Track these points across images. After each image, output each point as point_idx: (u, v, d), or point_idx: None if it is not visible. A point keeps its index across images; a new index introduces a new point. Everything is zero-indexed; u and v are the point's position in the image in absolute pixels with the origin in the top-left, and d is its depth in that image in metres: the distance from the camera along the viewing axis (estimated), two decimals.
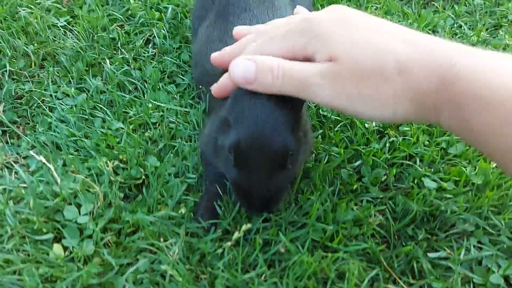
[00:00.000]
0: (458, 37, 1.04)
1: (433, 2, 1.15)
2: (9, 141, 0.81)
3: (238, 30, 0.64)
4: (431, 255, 0.62)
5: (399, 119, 0.49)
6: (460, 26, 1.07)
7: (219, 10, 0.81)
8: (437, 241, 0.65)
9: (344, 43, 0.48)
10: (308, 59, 0.52)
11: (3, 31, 0.94)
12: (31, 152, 0.70)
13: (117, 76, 0.87)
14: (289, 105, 0.54)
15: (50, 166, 0.66)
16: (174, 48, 0.97)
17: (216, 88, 0.60)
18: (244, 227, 0.58)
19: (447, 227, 0.67)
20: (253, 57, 0.53)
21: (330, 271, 0.58)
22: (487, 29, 1.07)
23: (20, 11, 0.99)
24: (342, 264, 0.60)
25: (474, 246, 0.64)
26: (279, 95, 0.53)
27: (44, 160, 0.67)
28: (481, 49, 0.47)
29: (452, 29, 1.06)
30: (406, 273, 0.61)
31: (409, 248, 0.62)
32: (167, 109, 0.81)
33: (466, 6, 1.14)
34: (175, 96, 0.86)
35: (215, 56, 0.62)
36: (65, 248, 0.63)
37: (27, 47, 0.93)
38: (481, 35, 1.02)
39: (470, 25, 1.08)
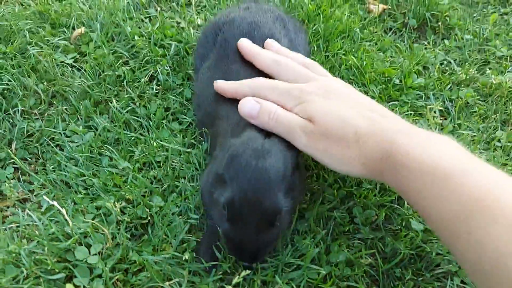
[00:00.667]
0: (448, 73, 1.09)
1: (424, 35, 1.21)
2: (20, 178, 0.85)
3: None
4: None
5: (355, 175, 0.65)
6: (450, 63, 1.12)
7: (220, 53, 0.86)
8: (423, 281, 0.69)
9: (320, 111, 0.63)
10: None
11: (13, 70, 0.99)
12: (44, 197, 0.74)
13: (123, 115, 0.92)
14: (281, 167, 0.60)
15: (63, 210, 0.71)
16: (177, 84, 1.02)
17: (222, 87, 0.75)
18: (243, 273, 0.63)
19: (432, 267, 0.71)
20: (260, 100, 0.69)
21: None
22: (475, 64, 1.12)
23: (29, 49, 1.03)
24: None
25: (457, 285, 0.69)
26: (273, 157, 0.59)
27: (56, 204, 0.71)
28: (420, 130, 0.61)
29: (442, 65, 1.12)
30: None
31: None
32: (171, 148, 0.86)
33: (456, 41, 1.19)
34: (178, 134, 0.91)
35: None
36: (76, 287, 0.68)
37: (37, 86, 0.98)
38: (469, 72, 1.07)
39: (460, 61, 1.14)
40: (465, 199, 0.49)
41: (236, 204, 0.60)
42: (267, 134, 0.67)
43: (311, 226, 0.73)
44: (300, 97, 0.66)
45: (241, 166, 0.60)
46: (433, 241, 0.73)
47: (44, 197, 0.74)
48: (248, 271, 0.63)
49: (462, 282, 0.70)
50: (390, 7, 1.24)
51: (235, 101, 0.73)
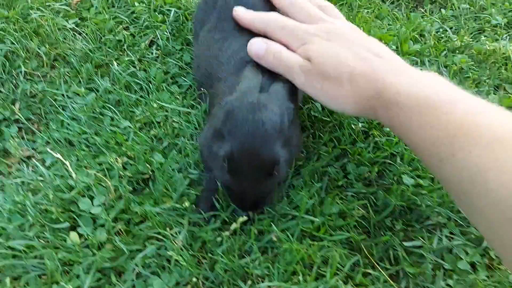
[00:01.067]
0: (443, 41, 1.11)
1: (422, 5, 1.22)
2: (24, 136, 0.88)
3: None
4: (407, 244, 0.70)
5: (349, 113, 0.68)
6: (446, 31, 1.14)
7: (220, 14, 0.87)
8: (413, 232, 0.72)
9: (318, 51, 0.67)
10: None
11: (16, 33, 1.01)
12: (48, 149, 0.77)
13: (124, 77, 0.94)
14: (277, 120, 0.63)
15: (66, 162, 0.74)
16: (176, 50, 1.04)
17: (240, 15, 0.79)
18: (240, 219, 0.65)
19: (422, 219, 0.74)
20: (268, 41, 0.73)
21: (316, 257, 0.66)
22: (471, 33, 1.13)
23: (31, 14, 1.05)
24: (327, 251, 0.67)
25: (446, 236, 0.72)
26: (269, 111, 0.62)
27: (60, 157, 0.74)
28: (412, 68, 0.64)
29: (438, 33, 1.13)
30: (383, 259, 0.69)
31: (387, 237, 0.69)
32: (171, 109, 0.88)
33: (453, 10, 1.20)
34: (178, 96, 0.93)
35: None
36: (80, 236, 0.71)
37: (39, 49, 0.99)
38: (464, 39, 1.09)
39: (455, 29, 1.15)
40: (450, 125, 0.54)
41: (235, 156, 0.63)
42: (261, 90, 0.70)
43: (306, 181, 0.76)
44: (304, 38, 0.70)
45: (238, 120, 0.62)
46: (424, 194, 0.75)
47: (49, 149, 0.77)
48: (245, 217, 0.66)
49: (450, 233, 0.73)
50: None
51: (233, 64, 0.76)
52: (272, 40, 0.73)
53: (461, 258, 0.69)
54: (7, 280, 0.64)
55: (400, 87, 0.60)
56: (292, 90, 0.71)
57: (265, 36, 0.75)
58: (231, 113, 0.63)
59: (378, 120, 0.67)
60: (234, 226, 0.66)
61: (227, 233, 0.67)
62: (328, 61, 0.65)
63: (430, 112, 0.56)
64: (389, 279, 0.66)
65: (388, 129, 0.85)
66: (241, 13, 0.79)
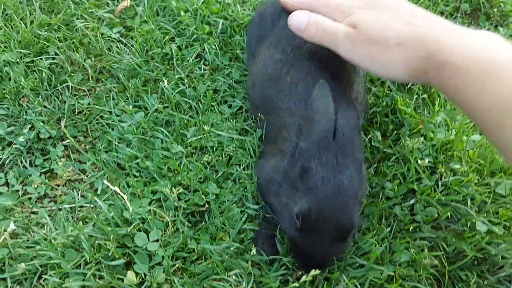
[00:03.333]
0: None
1: (477, 21, 1.16)
2: (71, 156, 0.84)
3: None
4: None
5: (399, 79, 0.66)
6: None
7: (281, 33, 0.82)
8: (487, 284, 0.68)
9: (364, 19, 0.65)
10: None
11: (60, 43, 0.96)
12: (105, 181, 0.73)
13: (174, 96, 0.90)
14: (357, 183, 0.59)
15: (124, 196, 0.70)
16: (224, 65, 0.99)
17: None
18: (312, 272, 0.61)
19: (495, 269, 0.70)
20: (308, 13, 0.71)
21: None
22: None
23: (74, 21, 1.00)
24: None
25: None
26: (349, 172, 0.59)
27: (117, 190, 0.70)
28: (463, 28, 0.60)
29: None
30: None
31: None
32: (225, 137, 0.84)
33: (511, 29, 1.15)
34: (229, 118, 0.89)
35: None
36: (136, 274, 0.67)
37: (84, 61, 0.95)
38: None
39: None
40: (508, 90, 0.51)
41: (312, 215, 0.59)
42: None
43: (373, 224, 0.72)
44: (348, 11, 0.68)
45: (319, 180, 0.60)
46: (498, 244, 0.71)
47: (104, 181, 0.73)
48: (318, 271, 0.62)
49: None
50: None
51: (300, 93, 0.72)
52: None
53: None
54: None
55: (454, 48, 0.57)
56: (356, 123, 0.68)
57: None
58: (310, 170, 0.60)
59: (430, 83, 0.63)
60: (304, 278, 0.62)
61: (296, 284, 0.63)
62: (374, 25, 0.64)
63: (488, 76, 0.53)
64: None
65: (456, 165, 0.80)
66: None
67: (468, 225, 0.73)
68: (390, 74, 0.65)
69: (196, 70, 0.97)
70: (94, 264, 0.67)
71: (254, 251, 0.67)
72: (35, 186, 0.79)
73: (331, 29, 0.68)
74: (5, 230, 0.71)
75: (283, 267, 0.67)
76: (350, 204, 0.59)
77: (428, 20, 0.64)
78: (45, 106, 0.89)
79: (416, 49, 0.60)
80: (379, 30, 0.63)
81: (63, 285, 0.64)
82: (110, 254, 0.67)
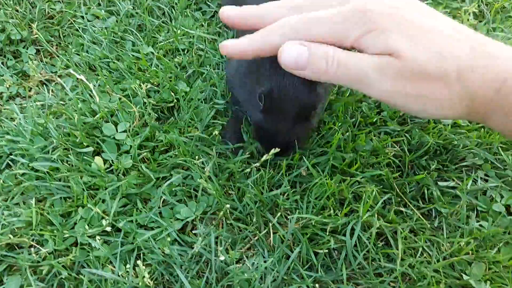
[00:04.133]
0: None
1: None
2: (43, 59, 0.84)
3: None
4: (441, 183, 0.68)
5: (449, 118, 0.51)
6: None
7: None
8: (447, 172, 0.70)
9: (407, 41, 0.45)
10: (354, 49, 0.48)
11: None
12: (71, 70, 0.73)
13: (146, 0, 0.89)
14: None
15: (90, 84, 0.70)
16: None
17: (231, 48, 0.51)
18: (272, 151, 0.63)
19: (457, 160, 0.72)
20: (307, 43, 0.48)
21: (348, 193, 0.64)
22: None
23: None
24: (359, 187, 0.65)
25: (481, 178, 0.70)
26: None
27: (83, 78, 0.70)
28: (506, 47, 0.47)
29: None
30: (416, 198, 0.67)
31: (421, 176, 0.67)
32: (196, 36, 0.83)
33: None
34: (203, 23, 0.88)
35: (227, 11, 0.52)
36: (105, 161, 0.69)
37: None
38: None
39: None
40: None
41: (273, 95, 0.59)
42: None
43: (339, 116, 0.73)
44: (365, 22, 0.45)
45: None
46: (461, 133, 0.72)
47: (72, 71, 0.73)
48: (278, 149, 0.63)
49: (486, 175, 0.70)
50: None
51: None
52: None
53: (496, 201, 0.67)
54: (32, 201, 0.62)
55: None
56: None
57: None
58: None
59: (487, 125, 0.51)
60: (264, 158, 0.63)
61: (256, 164, 0.65)
62: (426, 54, 0.45)
63: None
64: (421, 217, 0.64)
65: None
66: (238, 44, 0.50)
67: (433, 119, 0.74)
68: (442, 114, 0.49)
69: None
70: (62, 150, 0.68)
71: (215, 134, 0.68)
72: (7, 86, 0.80)
73: (352, 63, 0.46)
74: None
75: (248, 154, 0.69)
76: (312, 83, 0.59)
77: (490, 46, 0.47)
78: (16, 10, 0.88)
79: (481, 87, 0.46)
80: (436, 60, 0.45)
81: (30, 165, 0.65)
82: (78, 141, 0.69)
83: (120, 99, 0.75)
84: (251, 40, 0.50)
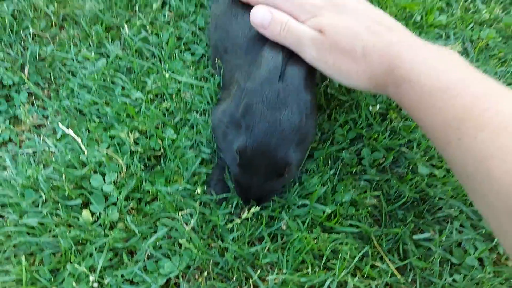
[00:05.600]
0: (471, 12, 1.05)
1: None
2: (34, 102, 0.86)
3: None
4: (416, 237, 0.70)
5: (361, 89, 0.66)
6: (475, 0, 1.07)
7: None
8: (424, 224, 0.72)
9: (331, 24, 0.63)
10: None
11: None
12: (59, 124, 0.75)
13: (135, 42, 0.90)
14: (296, 120, 0.61)
15: (78, 138, 0.73)
16: (189, 11, 0.99)
17: None
18: (253, 209, 0.65)
19: (434, 210, 0.74)
20: (272, 10, 0.67)
21: (325, 249, 0.66)
22: (501, 3, 1.07)
23: None
24: (337, 243, 0.68)
25: (456, 229, 0.72)
26: (288, 109, 0.61)
27: (71, 133, 0.73)
28: (425, 43, 0.61)
29: (466, 2, 1.07)
30: (392, 252, 0.70)
31: (398, 230, 0.69)
32: (184, 81, 0.86)
33: None
34: (190, 66, 0.90)
35: None
36: (92, 214, 0.71)
37: (47, 7, 0.95)
38: (493, 11, 1.03)
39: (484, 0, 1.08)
40: (458, 109, 0.52)
41: (248, 152, 0.62)
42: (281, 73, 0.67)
43: (319, 166, 0.75)
44: (312, 11, 0.66)
45: (257, 116, 0.61)
46: (437, 185, 0.74)
47: (60, 125, 0.75)
48: (258, 208, 0.66)
49: (461, 225, 0.73)
50: None
51: (246, 40, 0.72)
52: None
53: (470, 254, 0.69)
54: (22, 257, 0.65)
55: (413, 63, 0.57)
56: (310, 70, 0.69)
57: None
58: (250, 107, 0.62)
59: (388, 96, 0.65)
60: (245, 214, 0.66)
61: (238, 220, 0.67)
62: (342, 34, 0.62)
63: (440, 93, 0.54)
64: (396, 273, 0.67)
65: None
66: None
67: (411, 169, 0.77)
68: (353, 84, 0.64)
69: (160, 17, 0.97)
70: (51, 203, 0.71)
71: (199, 190, 0.71)
72: (0, 132, 0.82)
73: (296, 31, 0.65)
74: None
75: (230, 207, 0.71)
76: (287, 141, 0.61)
77: (393, 31, 0.63)
78: (8, 53, 0.90)
79: (380, 62, 0.60)
80: (347, 39, 0.62)
81: (20, 221, 0.68)
82: (66, 195, 0.71)
83: (108, 147, 0.78)
84: None
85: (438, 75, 0.56)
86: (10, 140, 0.83)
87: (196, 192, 0.72)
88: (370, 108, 0.82)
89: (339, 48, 0.62)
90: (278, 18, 0.66)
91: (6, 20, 0.91)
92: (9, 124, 0.83)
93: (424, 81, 0.56)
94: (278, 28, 0.66)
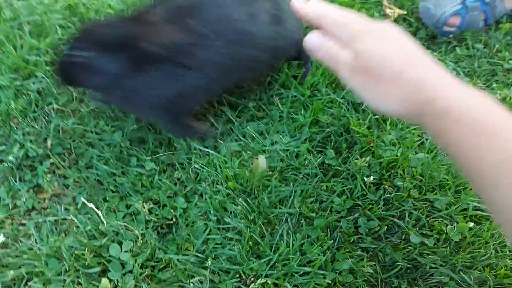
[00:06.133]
0: None
1: (437, 44, 1.25)
2: (56, 172, 0.94)
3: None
4: None
5: (393, 114, 0.66)
6: (459, 73, 1.17)
7: None
8: None
9: (366, 47, 0.64)
10: None
11: (47, 67, 1.06)
12: (82, 198, 0.83)
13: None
14: None
15: (99, 212, 0.80)
16: None
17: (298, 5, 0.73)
18: (260, 281, 0.71)
19: (426, 276, 0.80)
20: (322, 39, 0.70)
21: None
22: (484, 76, 1.17)
23: (61, 46, 1.09)
24: None
25: None
26: None
27: (93, 207, 0.80)
28: (461, 82, 0.60)
29: None
30: None
31: None
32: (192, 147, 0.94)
33: (467, 49, 1.23)
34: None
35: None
36: (110, 281, 0.77)
37: None
38: (476, 84, 1.12)
39: (468, 71, 1.18)
40: (503, 152, 0.53)
41: None
42: None
43: (319, 235, 0.82)
44: (354, 35, 0.68)
45: None
46: (429, 255, 0.81)
47: (82, 199, 0.82)
48: (265, 279, 0.72)
49: None
50: (406, 12, 1.28)
51: None
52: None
53: None
54: None
55: (453, 100, 0.57)
56: None
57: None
58: None
59: (423, 127, 0.65)
60: (253, 286, 0.72)
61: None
62: (374, 58, 0.63)
63: (488, 134, 0.54)
64: None
65: (399, 182, 0.90)
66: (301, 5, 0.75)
67: (404, 238, 0.83)
68: (384, 108, 0.65)
69: None
70: (73, 272, 0.77)
71: (210, 263, 0.77)
72: (24, 200, 0.89)
73: (335, 55, 0.69)
74: None
75: (238, 276, 0.77)
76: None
77: (429, 66, 0.63)
78: (33, 126, 0.98)
79: (413, 92, 0.61)
80: (379, 64, 0.63)
81: None
82: (87, 263, 0.77)
83: (124, 216, 0.85)
84: (306, 9, 0.73)
85: (483, 115, 0.56)
86: (33, 208, 0.89)
87: (206, 260, 0.78)
88: (365, 178, 0.89)
89: (370, 72, 0.64)
90: (324, 46, 0.70)
91: (32, 96, 1.00)
92: (32, 192, 0.91)
93: (467, 120, 0.56)
94: (322, 53, 0.70)
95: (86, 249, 0.78)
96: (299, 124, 1.00)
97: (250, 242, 0.81)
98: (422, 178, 0.91)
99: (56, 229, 0.84)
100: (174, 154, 0.94)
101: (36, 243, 0.81)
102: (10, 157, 0.92)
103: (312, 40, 0.73)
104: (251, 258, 0.79)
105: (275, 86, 1.06)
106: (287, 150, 0.96)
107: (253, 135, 0.97)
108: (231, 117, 1.00)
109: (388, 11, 1.28)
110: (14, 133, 0.97)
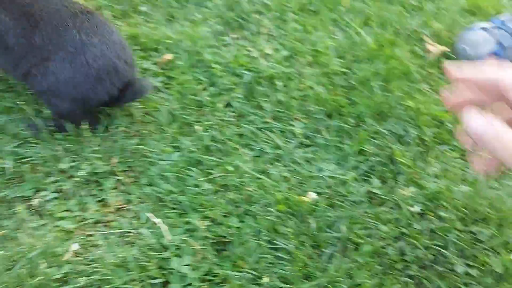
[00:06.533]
0: None
1: None
2: (119, 187, 1.02)
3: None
4: None
5: None
6: None
7: None
8: None
9: None
10: None
11: None
12: (148, 214, 0.90)
13: (204, 140, 1.07)
14: None
15: (164, 226, 0.86)
16: (249, 112, 1.16)
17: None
18: None
19: None
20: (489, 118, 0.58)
21: None
22: None
23: None
24: None
25: None
26: None
27: (161, 222, 0.87)
28: None
29: None
30: None
31: None
32: (246, 174, 1.00)
33: None
34: (250, 160, 1.05)
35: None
36: None
37: (131, 106, 1.13)
38: None
39: None
40: None
41: None
42: None
43: (367, 261, 0.86)
44: None
45: None
46: (473, 285, 0.84)
47: (147, 214, 0.89)
48: None
49: None
50: (449, 49, 1.33)
51: None
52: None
53: None
54: None
55: None
56: None
57: None
58: None
59: None
60: None
61: None
62: None
63: None
64: None
65: (443, 213, 0.94)
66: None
67: (448, 267, 0.87)
68: None
69: (225, 117, 1.14)
70: (138, 282, 0.83)
71: (266, 281, 0.83)
72: (91, 213, 0.97)
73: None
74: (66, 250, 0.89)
75: None
76: None
77: None
78: (99, 145, 1.07)
79: None
80: None
81: None
82: (151, 274, 0.84)
83: (184, 232, 0.91)
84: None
85: None
86: (99, 221, 0.97)
87: (260, 278, 0.83)
88: (411, 208, 0.94)
89: None
90: (492, 132, 0.56)
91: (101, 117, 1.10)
92: (99, 206, 0.98)
93: None
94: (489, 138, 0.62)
95: (150, 261, 0.85)
96: (345, 153, 1.05)
97: (299, 263, 0.86)
98: (465, 210, 0.95)
99: (122, 240, 0.91)
100: (227, 176, 1.01)
101: (104, 253, 0.88)
102: (80, 173, 1.00)
103: (477, 121, 0.42)
104: (301, 279, 0.84)
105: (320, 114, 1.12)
106: (333, 177, 1.01)
107: (299, 161, 1.03)
108: (279, 143, 1.06)
109: (431, 48, 1.33)
110: (83, 150, 1.05)
